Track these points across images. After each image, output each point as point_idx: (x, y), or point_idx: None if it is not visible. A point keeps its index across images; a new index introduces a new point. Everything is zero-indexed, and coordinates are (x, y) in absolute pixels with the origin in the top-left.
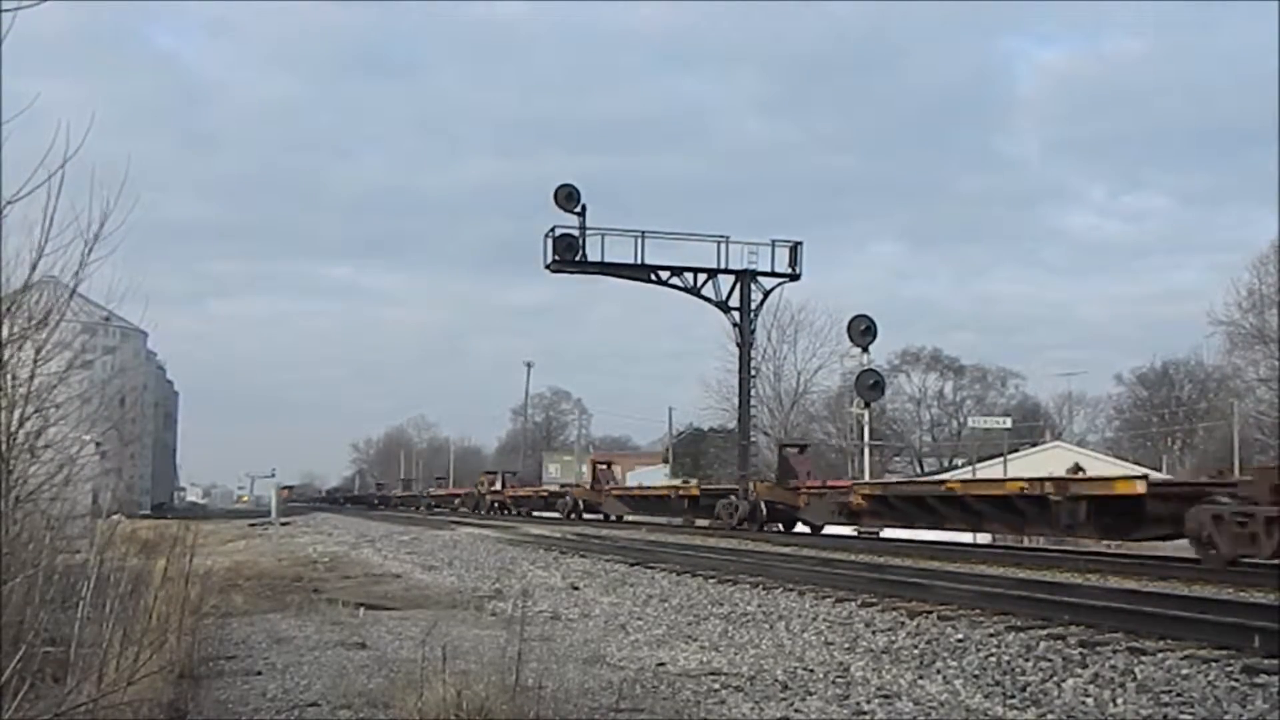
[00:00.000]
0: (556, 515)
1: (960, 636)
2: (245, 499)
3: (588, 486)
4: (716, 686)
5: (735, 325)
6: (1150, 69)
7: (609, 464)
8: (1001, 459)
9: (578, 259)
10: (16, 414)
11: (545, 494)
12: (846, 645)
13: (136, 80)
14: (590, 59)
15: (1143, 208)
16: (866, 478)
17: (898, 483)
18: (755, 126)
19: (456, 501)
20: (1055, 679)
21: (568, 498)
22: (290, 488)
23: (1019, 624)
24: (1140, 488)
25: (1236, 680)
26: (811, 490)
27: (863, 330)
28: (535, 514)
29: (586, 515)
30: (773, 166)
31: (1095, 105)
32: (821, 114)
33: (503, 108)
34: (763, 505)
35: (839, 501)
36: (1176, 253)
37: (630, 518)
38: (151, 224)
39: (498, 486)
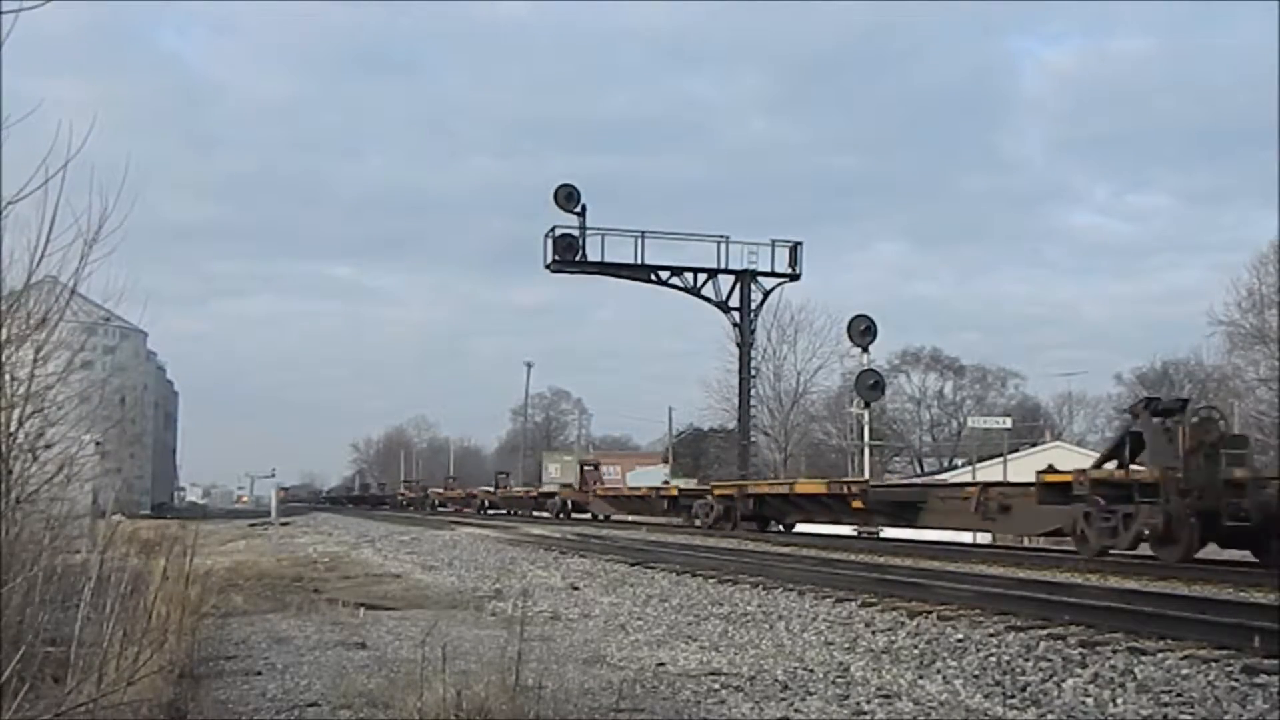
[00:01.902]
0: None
1: (960, 636)
2: (245, 499)
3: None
4: (716, 686)
5: (735, 325)
6: (1156, 68)
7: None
8: (1001, 459)
9: (577, 259)
10: (16, 414)
11: (415, 494)
12: (846, 645)
13: (141, 80)
14: (593, 58)
15: (1146, 207)
16: (866, 477)
17: None
18: (759, 126)
19: (397, 499)
20: (1055, 679)
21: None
22: (286, 489)
23: (1019, 624)
24: None
25: (1236, 680)
26: None
27: (862, 330)
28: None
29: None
30: (776, 166)
31: (1100, 104)
32: (825, 113)
33: (505, 107)
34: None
35: None
36: (1180, 252)
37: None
38: (154, 225)
39: (406, 491)
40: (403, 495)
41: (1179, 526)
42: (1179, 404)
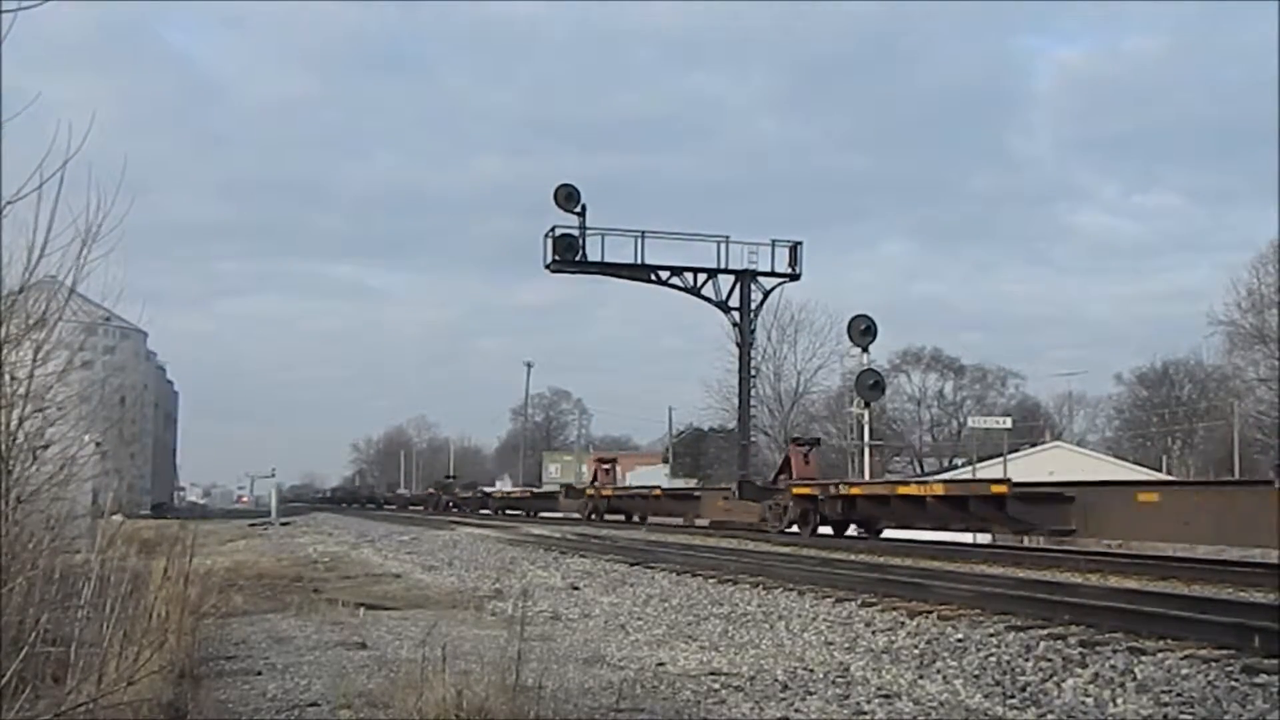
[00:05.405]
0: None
1: (960, 636)
2: (245, 499)
3: None
4: (716, 686)
5: (735, 325)
6: (1167, 67)
7: None
8: (1001, 459)
9: (577, 259)
10: (16, 414)
11: (394, 495)
12: (846, 645)
13: (148, 78)
14: (602, 57)
15: (1154, 207)
16: (866, 478)
17: None
18: (767, 125)
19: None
20: (1055, 679)
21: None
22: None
23: (1019, 624)
24: None
25: (1236, 680)
26: None
27: (863, 330)
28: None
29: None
30: (783, 165)
31: (1111, 103)
32: (834, 113)
33: (513, 106)
34: None
35: None
36: (1187, 252)
37: None
38: (157, 224)
39: (388, 493)
40: (385, 496)
41: (808, 516)
42: (813, 440)
